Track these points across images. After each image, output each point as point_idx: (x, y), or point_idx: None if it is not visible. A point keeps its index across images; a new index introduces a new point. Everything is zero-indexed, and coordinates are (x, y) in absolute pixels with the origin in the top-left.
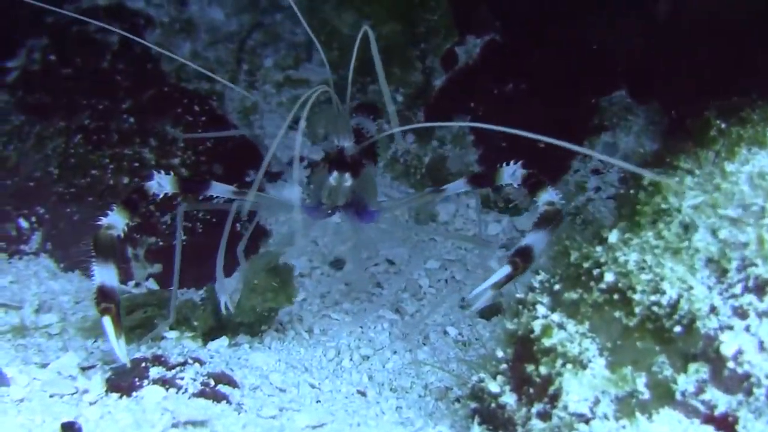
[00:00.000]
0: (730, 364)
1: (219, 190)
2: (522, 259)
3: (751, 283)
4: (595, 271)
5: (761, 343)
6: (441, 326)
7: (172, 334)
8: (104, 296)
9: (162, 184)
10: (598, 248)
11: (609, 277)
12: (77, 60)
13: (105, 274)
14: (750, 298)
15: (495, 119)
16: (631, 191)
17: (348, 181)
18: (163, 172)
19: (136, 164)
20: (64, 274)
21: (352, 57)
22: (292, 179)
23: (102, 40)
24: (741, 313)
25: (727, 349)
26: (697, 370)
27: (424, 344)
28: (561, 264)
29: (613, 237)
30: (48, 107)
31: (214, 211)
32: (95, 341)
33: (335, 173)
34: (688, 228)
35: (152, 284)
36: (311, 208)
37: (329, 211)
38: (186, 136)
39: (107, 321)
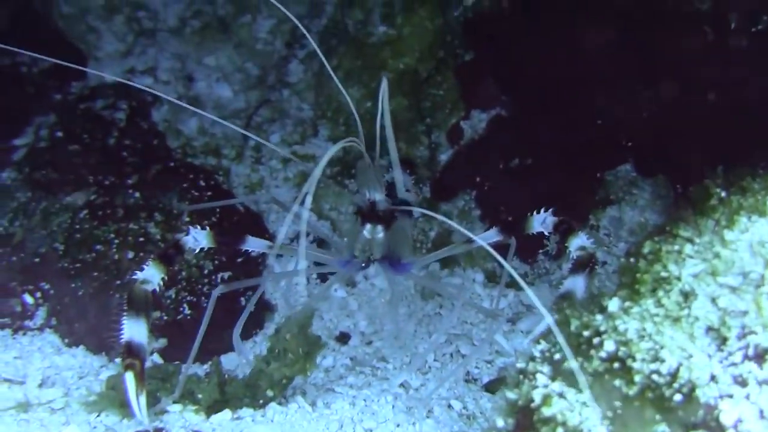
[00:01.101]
0: None
1: (253, 244)
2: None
3: (751, 351)
4: (595, 340)
5: (761, 411)
6: (445, 399)
7: (176, 408)
8: (130, 352)
9: (198, 238)
10: (599, 317)
11: (609, 345)
12: (84, 136)
13: (135, 329)
14: (750, 366)
15: (501, 194)
16: (632, 260)
17: (381, 233)
18: (198, 227)
19: (141, 239)
20: (68, 350)
21: (379, 107)
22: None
23: (109, 116)
24: (741, 382)
25: (727, 417)
26: None
27: (428, 417)
28: (562, 333)
29: (613, 305)
30: (54, 183)
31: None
32: (98, 416)
33: (368, 226)
34: (688, 296)
35: (157, 359)
36: (346, 261)
37: (363, 265)
38: (190, 208)
39: (129, 377)
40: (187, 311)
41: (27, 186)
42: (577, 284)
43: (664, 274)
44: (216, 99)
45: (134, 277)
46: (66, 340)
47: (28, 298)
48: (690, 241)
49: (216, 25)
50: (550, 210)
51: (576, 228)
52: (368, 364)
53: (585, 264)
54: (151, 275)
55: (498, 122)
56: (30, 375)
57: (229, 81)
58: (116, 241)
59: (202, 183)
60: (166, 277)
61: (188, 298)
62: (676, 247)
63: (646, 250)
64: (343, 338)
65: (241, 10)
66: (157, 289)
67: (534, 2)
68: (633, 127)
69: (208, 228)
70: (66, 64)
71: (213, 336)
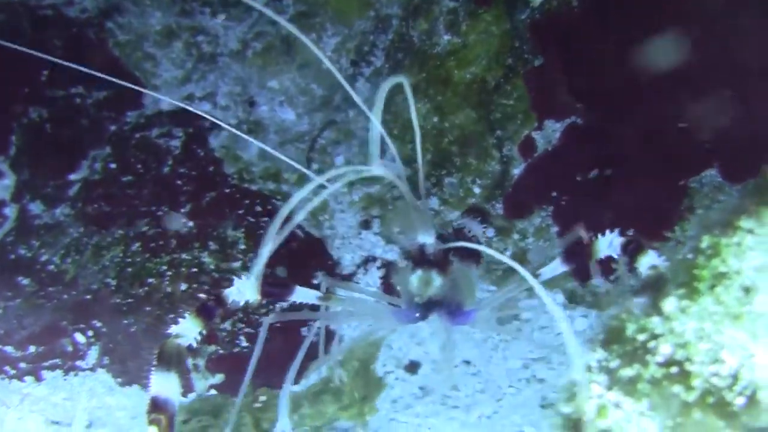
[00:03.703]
0: None
1: (303, 295)
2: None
3: None
4: (651, 344)
5: None
6: (518, 426)
7: None
8: (156, 407)
9: (242, 290)
10: (655, 319)
11: (666, 348)
12: (138, 167)
13: (163, 385)
14: None
15: (580, 208)
16: (689, 255)
17: (435, 280)
18: (244, 276)
19: (195, 269)
20: (121, 389)
21: (417, 144)
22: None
23: (164, 145)
24: None
25: None
26: None
27: None
28: (618, 339)
29: (670, 306)
30: (107, 216)
31: None
32: None
33: (419, 272)
34: (749, 291)
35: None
36: (400, 312)
37: (417, 315)
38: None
39: (152, 431)
40: (245, 344)
41: (80, 221)
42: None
43: (723, 269)
44: (279, 123)
45: (168, 331)
46: (119, 380)
47: (80, 337)
48: (751, 232)
49: (279, 45)
50: (617, 230)
51: (645, 245)
52: (438, 393)
53: (652, 285)
54: (187, 329)
55: (573, 131)
56: (76, 416)
57: (292, 104)
58: (169, 273)
59: (259, 208)
60: (204, 332)
61: (245, 330)
62: (736, 240)
63: (704, 244)
64: (413, 367)
65: (305, 29)
66: (193, 344)
67: None
68: (718, 130)
69: (253, 278)
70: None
71: (272, 370)
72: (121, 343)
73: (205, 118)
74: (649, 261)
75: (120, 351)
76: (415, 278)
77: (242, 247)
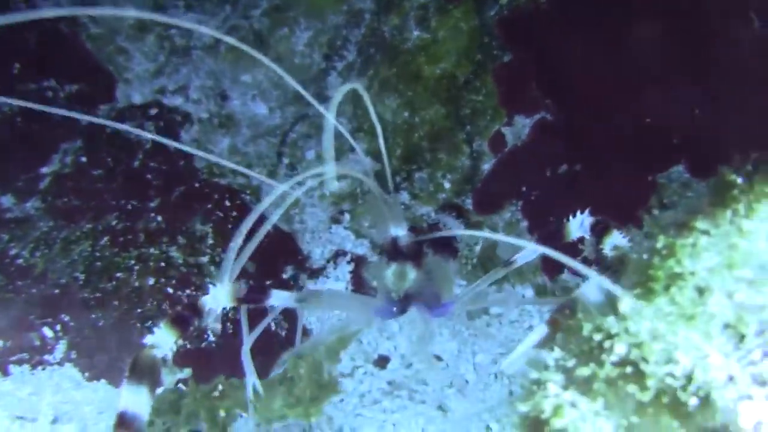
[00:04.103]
0: None
1: (280, 298)
2: (565, 316)
3: None
4: (607, 343)
5: None
6: (485, 422)
7: None
8: (123, 423)
9: (218, 298)
10: (610, 318)
11: (621, 348)
12: (108, 160)
13: (132, 399)
14: None
15: (549, 203)
16: (644, 256)
17: (410, 273)
18: (218, 284)
19: (163, 264)
20: (88, 384)
21: (379, 139)
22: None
23: (135, 139)
24: (761, 381)
25: (746, 421)
26: None
27: None
28: (575, 338)
29: (625, 306)
30: (76, 210)
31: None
32: None
33: (394, 266)
34: (703, 292)
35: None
36: (378, 308)
37: (395, 309)
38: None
39: None
40: (212, 338)
41: (49, 215)
42: (596, 288)
43: (678, 269)
44: (251, 117)
45: (143, 341)
46: (86, 374)
47: (48, 331)
48: (706, 233)
49: (252, 39)
50: (587, 210)
51: (611, 226)
52: (406, 388)
53: (611, 265)
54: (162, 340)
55: (542, 127)
56: (42, 411)
57: (265, 98)
58: (137, 267)
59: (228, 203)
60: (179, 342)
61: (213, 325)
62: (691, 240)
63: (660, 244)
64: (382, 362)
65: (278, 24)
66: (168, 356)
67: None
68: (684, 126)
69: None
70: None
71: (236, 361)
72: (89, 338)
73: (175, 111)
74: (613, 241)
75: (87, 345)
76: (390, 273)
77: (210, 241)
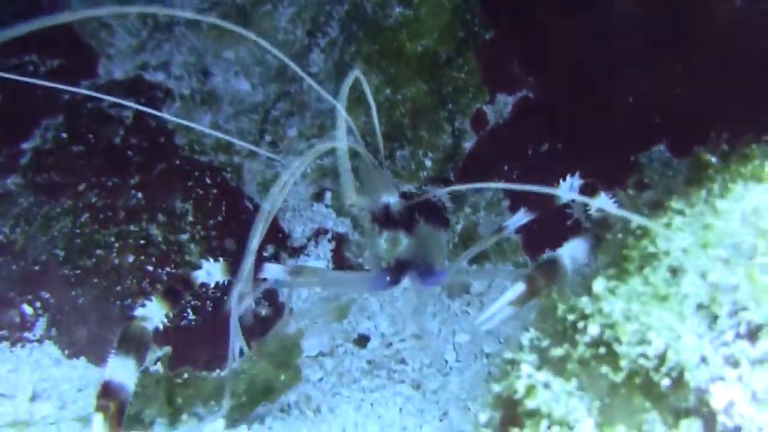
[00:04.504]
0: (722, 418)
1: (272, 271)
2: (544, 274)
3: (743, 329)
4: (580, 324)
5: (754, 393)
6: (463, 402)
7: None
8: (107, 392)
9: (211, 272)
10: (584, 299)
11: (594, 329)
12: (89, 137)
13: (118, 369)
14: (742, 344)
15: (531, 181)
16: (618, 236)
17: (403, 240)
18: (212, 259)
19: (142, 241)
20: (68, 361)
21: (373, 117)
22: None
23: (116, 115)
24: (733, 362)
25: (718, 401)
26: (689, 427)
27: (441, 420)
28: (549, 318)
29: (598, 286)
30: (56, 186)
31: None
32: None
33: (385, 233)
34: (676, 272)
35: (161, 369)
36: (372, 279)
37: (388, 279)
38: None
39: (97, 419)
40: (192, 316)
41: (29, 191)
42: (572, 249)
43: (651, 249)
44: (233, 93)
45: (134, 313)
46: (66, 352)
47: (27, 309)
48: (680, 213)
49: (235, 15)
50: (578, 173)
51: (598, 188)
52: (386, 367)
53: (592, 226)
54: (153, 312)
55: (524, 105)
56: (20, 388)
57: (247, 74)
58: (116, 244)
59: (208, 180)
60: (170, 314)
61: (192, 303)
62: (665, 220)
63: (634, 224)
64: (362, 341)
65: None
66: (159, 327)
67: None
68: (666, 106)
69: (221, 260)
70: None
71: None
72: (69, 315)
73: (157, 87)
74: (599, 203)
75: (67, 323)
76: (383, 240)
77: (190, 219)
